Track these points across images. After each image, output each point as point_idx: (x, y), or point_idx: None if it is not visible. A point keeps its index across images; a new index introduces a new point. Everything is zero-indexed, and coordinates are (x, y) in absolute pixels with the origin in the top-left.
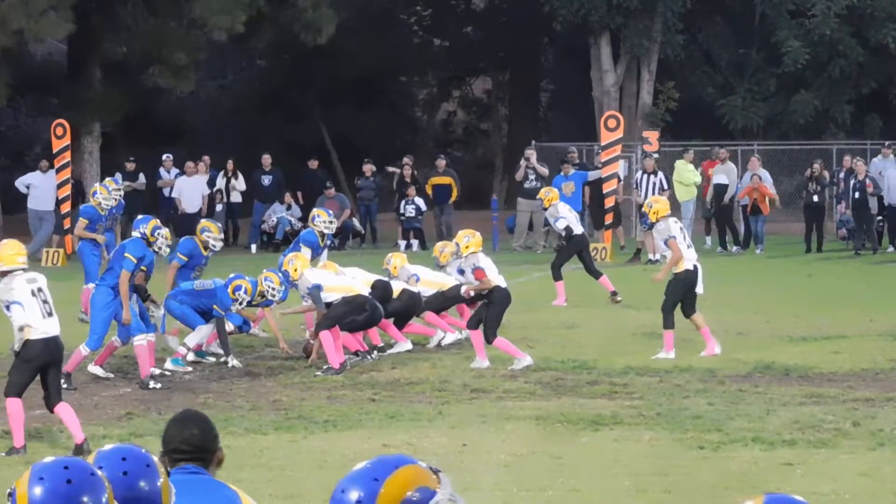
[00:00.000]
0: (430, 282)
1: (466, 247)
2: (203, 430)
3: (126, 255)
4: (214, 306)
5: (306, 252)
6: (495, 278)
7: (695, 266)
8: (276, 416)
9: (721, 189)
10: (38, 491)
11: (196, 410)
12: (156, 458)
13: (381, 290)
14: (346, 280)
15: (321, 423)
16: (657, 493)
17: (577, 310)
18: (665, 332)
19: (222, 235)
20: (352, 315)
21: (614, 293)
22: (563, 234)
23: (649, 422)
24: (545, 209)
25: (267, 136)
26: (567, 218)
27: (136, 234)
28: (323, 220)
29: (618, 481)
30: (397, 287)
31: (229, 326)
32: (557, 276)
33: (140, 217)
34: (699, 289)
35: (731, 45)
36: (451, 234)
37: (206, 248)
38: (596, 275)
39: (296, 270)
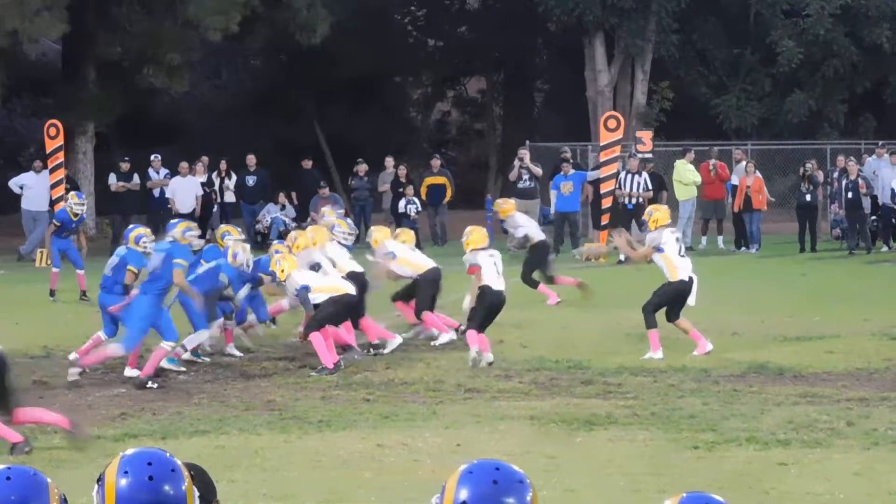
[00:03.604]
0: (406, 261)
1: (467, 244)
2: (199, 478)
3: (175, 260)
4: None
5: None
6: (489, 278)
7: (690, 278)
8: (271, 416)
9: (734, 189)
10: None
11: (195, 463)
12: (180, 462)
13: (357, 281)
14: (333, 280)
15: (315, 423)
16: (651, 492)
17: (571, 310)
18: (649, 332)
19: (244, 236)
20: (340, 316)
21: (580, 284)
22: (524, 243)
23: (644, 421)
24: (502, 221)
25: (261, 136)
26: (526, 226)
27: (168, 238)
28: (343, 231)
29: (612, 481)
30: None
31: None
32: (534, 285)
33: (174, 221)
34: (691, 300)
35: (726, 45)
36: (446, 234)
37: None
38: (548, 280)
39: (283, 271)
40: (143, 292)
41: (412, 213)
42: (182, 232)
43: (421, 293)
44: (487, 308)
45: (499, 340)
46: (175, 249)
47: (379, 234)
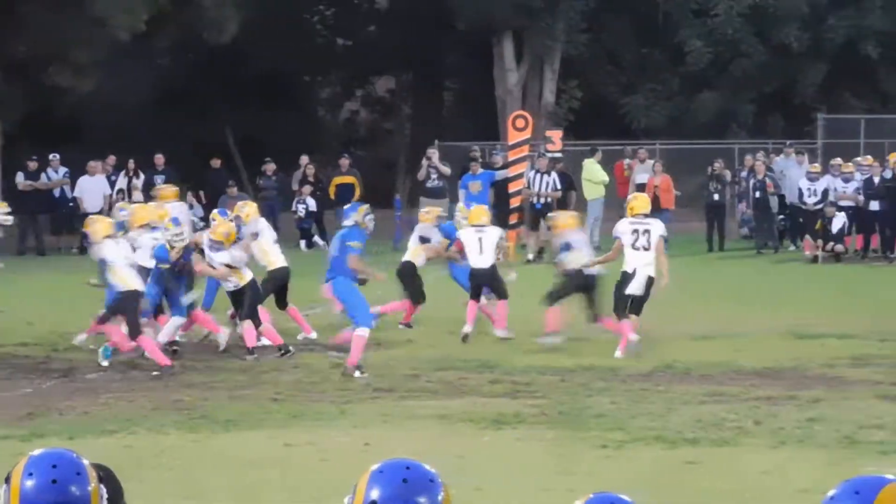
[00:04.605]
0: (263, 249)
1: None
2: (107, 479)
3: (350, 244)
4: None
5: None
6: (473, 257)
7: (634, 270)
8: (179, 415)
9: (642, 188)
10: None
11: (102, 464)
12: (87, 463)
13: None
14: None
15: (223, 422)
16: (560, 491)
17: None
18: (619, 324)
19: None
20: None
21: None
22: None
23: (552, 421)
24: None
25: (170, 136)
26: None
27: (348, 222)
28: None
29: (520, 480)
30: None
31: None
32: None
33: (354, 203)
34: (631, 289)
35: (634, 45)
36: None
37: None
38: None
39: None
40: (338, 277)
41: (300, 213)
42: (363, 216)
43: (263, 288)
44: (471, 283)
45: (407, 340)
46: (350, 233)
47: (250, 208)
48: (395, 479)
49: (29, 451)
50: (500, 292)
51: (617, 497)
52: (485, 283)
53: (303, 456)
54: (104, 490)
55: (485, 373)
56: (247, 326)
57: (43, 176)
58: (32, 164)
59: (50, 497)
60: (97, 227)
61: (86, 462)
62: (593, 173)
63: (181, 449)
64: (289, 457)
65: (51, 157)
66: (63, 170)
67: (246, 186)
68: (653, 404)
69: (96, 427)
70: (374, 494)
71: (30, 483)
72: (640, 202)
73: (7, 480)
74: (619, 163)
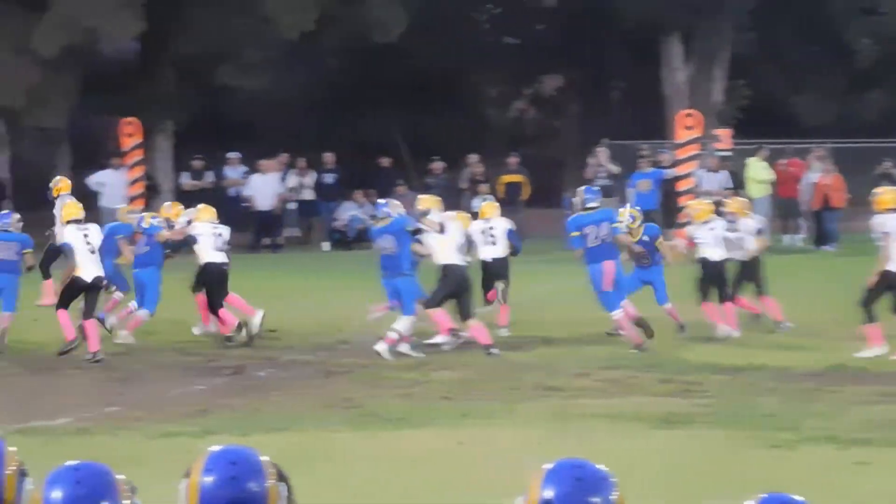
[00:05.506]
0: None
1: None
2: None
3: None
4: None
5: None
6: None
7: None
8: (348, 413)
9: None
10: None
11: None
12: (265, 460)
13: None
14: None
15: (394, 420)
16: (730, 491)
17: (645, 309)
18: (865, 327)
19: None
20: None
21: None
22: None
23: (722, 420)
24: (54, 198)
25: (337, 135)
26: None
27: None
28: None
29: (691, 479)
30: None
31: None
32: None
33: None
34: None
35: (802, 43)
36: (523, 232)
37: None
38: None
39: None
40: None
41: None
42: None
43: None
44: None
45: (574, 338)
46: (605, 215)
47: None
48: (568, 478)
49: (201, 447)
50: (724, 294)
51: (788, 497)
52: (748, 278)
53: (473, 454)
54: (284, 489)
55: (654, 371)
56: (433, 313)
57: (208, 175)
58: (198, 163)
59: (229, 493)
60: (65, 211)
61: (264, 459)
62: (758, 172)
63: (351, 446)
64: (459, 455)
65: (229, 155)
66: (242, 168)
67: (414, 185)
68: (824, 404)
69: (266, 424)
70: (548, 493)
71: (209, 479)
72: (891, 196)
73: (186, 476)
74: (781, 162)
